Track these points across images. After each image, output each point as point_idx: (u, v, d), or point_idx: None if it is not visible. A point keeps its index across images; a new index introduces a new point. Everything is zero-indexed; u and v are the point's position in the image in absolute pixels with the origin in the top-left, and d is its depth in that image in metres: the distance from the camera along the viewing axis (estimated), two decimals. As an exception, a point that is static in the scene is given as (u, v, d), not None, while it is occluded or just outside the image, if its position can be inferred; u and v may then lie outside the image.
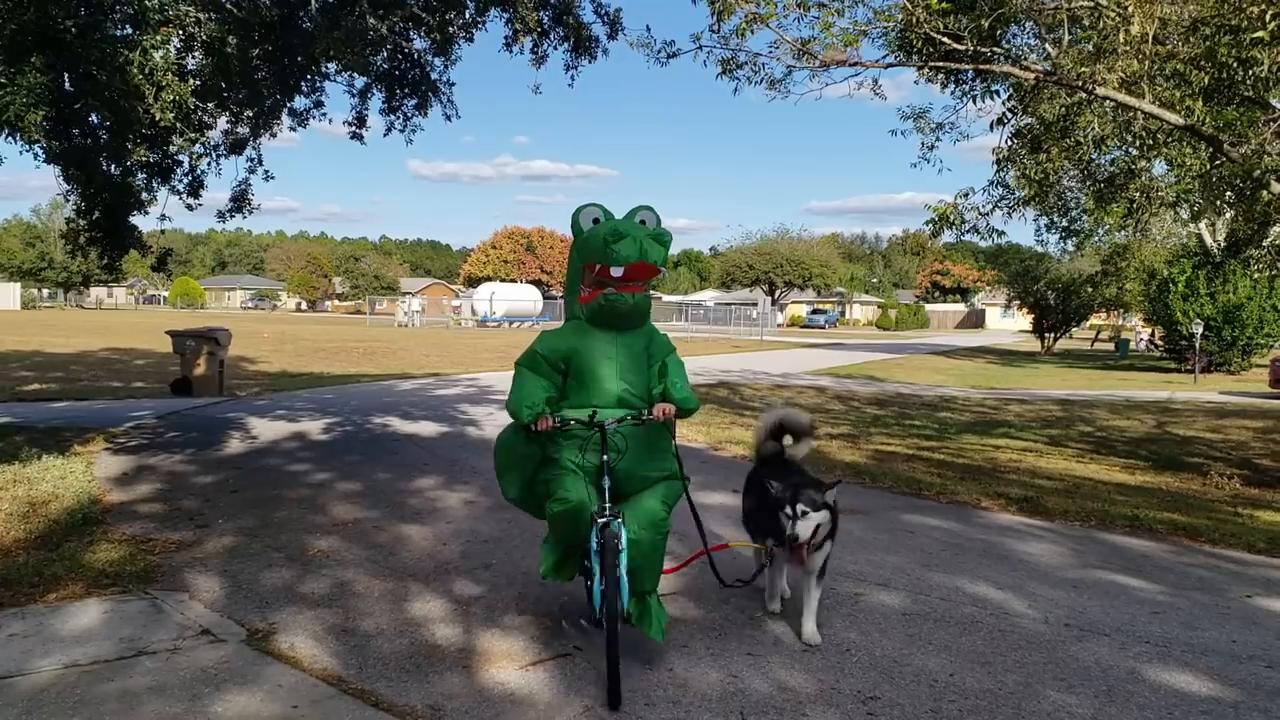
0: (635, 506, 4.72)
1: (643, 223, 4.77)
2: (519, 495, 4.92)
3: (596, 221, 4.77)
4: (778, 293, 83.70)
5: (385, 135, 12.07)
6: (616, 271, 4.55)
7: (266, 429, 12.64)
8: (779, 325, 79.19)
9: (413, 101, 11.81)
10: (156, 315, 69.88)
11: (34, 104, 6.92)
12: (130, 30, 7.89)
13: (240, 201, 11.57)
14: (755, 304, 70.54)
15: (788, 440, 5.81)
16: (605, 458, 4.58)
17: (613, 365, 4.76)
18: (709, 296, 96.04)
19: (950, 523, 8.11)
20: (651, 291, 4.97)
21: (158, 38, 7.42)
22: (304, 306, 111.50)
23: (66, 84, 8.56)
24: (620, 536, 4.44)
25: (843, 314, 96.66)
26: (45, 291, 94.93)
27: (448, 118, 12.12)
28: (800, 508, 4.79)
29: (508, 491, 4.93)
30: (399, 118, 11.85)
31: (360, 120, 11.84)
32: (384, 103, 11.81)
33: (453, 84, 11.92)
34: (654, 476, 4.83)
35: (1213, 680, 4.65)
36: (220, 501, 8.15)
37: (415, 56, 11.70)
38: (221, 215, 11.73)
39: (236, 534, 7.05)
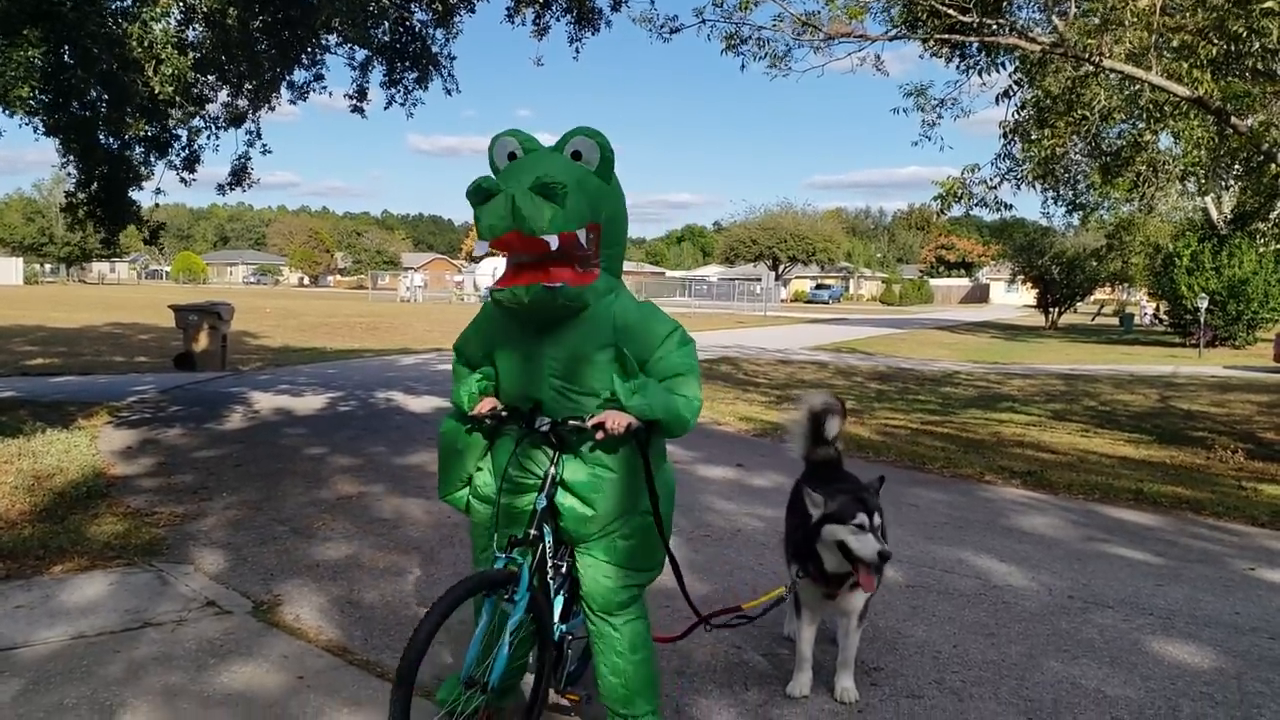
0: (582, 579, 3.51)
1: (576, 155, 3.25)
2: (448, 491, 3.73)
3: (513, 158, 3.29)
4: (781, 268, 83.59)
5: (386, 108, 12.04)
6: (479, 249, 3.25)
7: (269, 403, 12.65)
8: (783, 301, 79.05)
9: (413, 75, 11.76)
10: (159, 290, 69.89)
11: (23, 78, 6.87)
12: (129, 2, 7.84)
13: (240, 175, 11.54)
14: (759, 280, 70.45)
15: (832, 431, 4.52)
16: (553, 470, 3.35)
17: (537, 366, 3.36)
18: (712, 272, 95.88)
19: (954, 496, 8.12)
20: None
21: (157, 9, 7.37)
22: (306, 282, 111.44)
23: (66, 56, 8.52)
24: (514, 591, 3.25)
25: (847, 289, 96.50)
26: (47, 267, 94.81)
27: (448, 92, 12.10)
28: (878, 519, 3.68)
29: (439, 487, 3.76)
30: (399, 91, 11.80)
31: (361, 93, 11.78)
32: (385, 76, 11.76)
33: (454, 58, 11.89)
34: (609, 522, 3.41)
35: (1215, 652, 4.66)
36: (224, 475, 8.16)
37: (416, 29, 11.63)
38: (221, 188, 11.74)
39: (241, 507, 7.07)
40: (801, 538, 3.92)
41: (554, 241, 3.08)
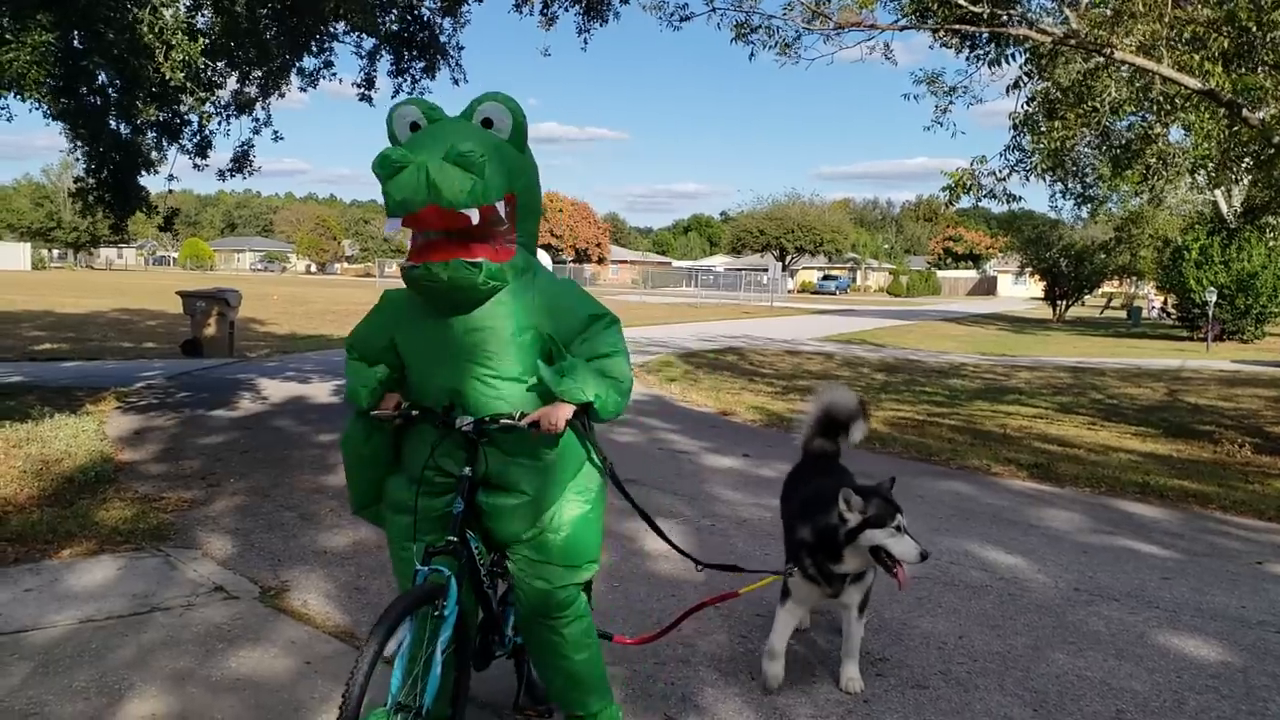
0: (516, 584, 3.26)
1: (486, 122, 3.00)
2: (362, 504, 3.42)
3: (415, 129, 3.00)
4: (789, 258, 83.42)
5: (393, 97, 12.03)
6: (390, 227, 2.91)
7: (276, 390, 12.68)
8: (790, 291, 78.98)
9: (421, 64, 11.73)
10: (166, 276, 69.97)
11: (37, 62, 6.89)
12: (139, -14, 7.82)
13: (241, 162, 11.52)
14: (765, 270, 70.33)
15: (857, 436, 4.56)
16: (468, 470, 3.07)
17: (451, 353, 3.06)
18: (719, 262, 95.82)
19: (960, 488, 8.12)
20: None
21: (166, -6, 7.37)
22: (313, 269, 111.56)
23: (75, 41, 8.52)
24: (444, 605, 2.96)
25: (854, 280, 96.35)
26: (55, 252, 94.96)
27: (455, 82, 12.06)
28: (902, 519, 3.71)
29: (351, 501, 3.46)
30: (407, 80, 11.78)
31: (369, 82, 11.76)
32: (392, 65, 11.74)
33: (462, 48, 11.86)
34: (537, 515, 3.14)
35: (1221, 645, 4.66)
36: (231, 461, 8.19)
37: (425, 19, 11.61)
38: (222, 175, 11.71)
39: (248, 493, 7.09)
40: (818, 536, 3.79)
41: (475, 215, 2.84)
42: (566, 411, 2.95)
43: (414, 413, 3.14)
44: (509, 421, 2.98)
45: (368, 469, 3.32)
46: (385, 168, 2.78)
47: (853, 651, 4.04)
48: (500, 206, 2.94)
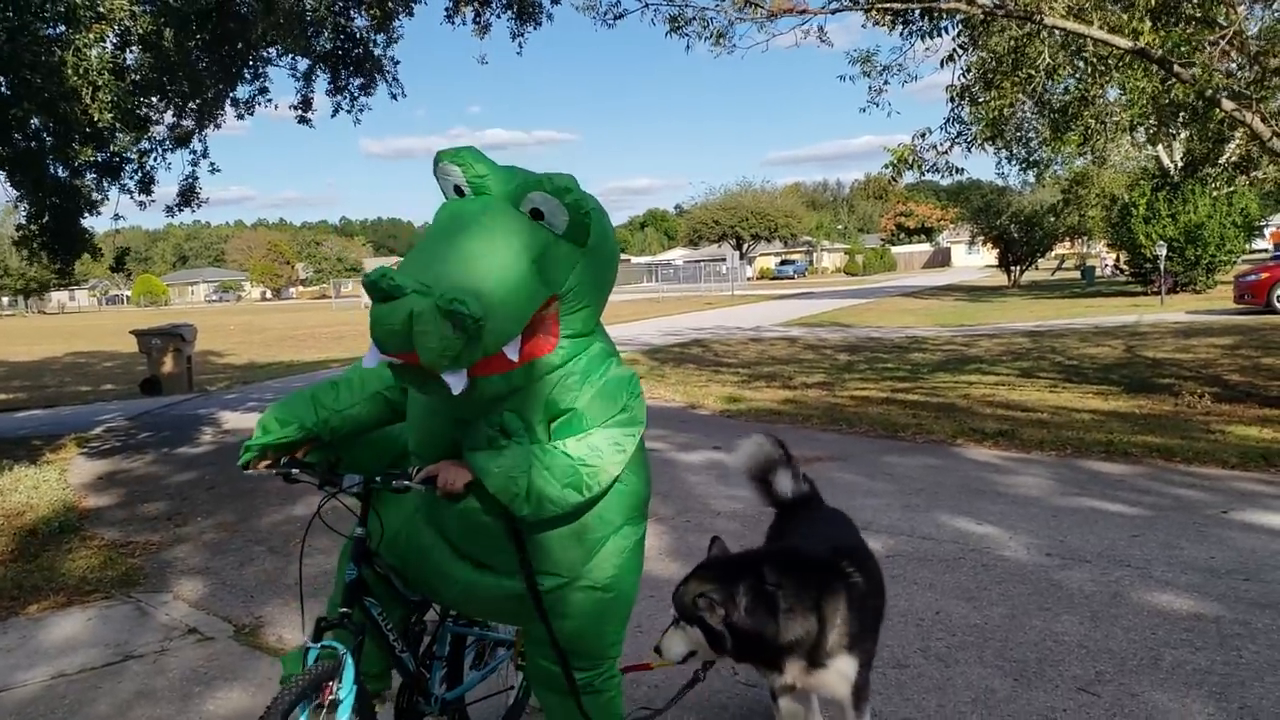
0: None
1: (535, 214, 2.46)
2: None
3: (459, 193, 2.57)
4: (745, 246, 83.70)
5: (333, 116, 11.94)
6: (369, 360, 2.42)
7: (239, 422, 12.54)
8: (749, 279, 79.26)
9: (358, 81, 11.66)
10: (120, 315, 68.98)
11: None
12: (63, 29, 7.72)
13: (188, 195, 11.41)
14: (724, 260, 70.51)
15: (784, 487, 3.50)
16: (360, 531, 2.86)
17: (444, 423, 2.68)
18: (678, 255, 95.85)
19: (928, 461, 8.18)
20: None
21: (90, 35, 7.26)
22: (268, 295, 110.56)
23: (3, 88, 8.39)
24: (337, 688, 2.59)
25: (811, 263, 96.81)
26: (5, 300, 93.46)
27: (394, 96, 12.01)
28: (705, 612, 2.79)
29: None
30: (345, 98, 11.70)
31: (306, 103, 11.67)
32: (329, 84, 11.66)
33: (398, 62, 11.80)
34: (487, 580, 2.77)
35: (1193, 597, 4.72)
36: (198, 499, 8.09)
37: (357, 35, 11.54)
38: (170, 210, 11.58)
39: (217, 530, 7.01)
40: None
41: (456, 384, 2.34)
42: (465, 473, 2.50)
43: (294, 470, 2.84)
44: (403, 483, 2.61)
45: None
46: (374, 291, 2.24)
47: None
48: (512, 349, 2.43)
